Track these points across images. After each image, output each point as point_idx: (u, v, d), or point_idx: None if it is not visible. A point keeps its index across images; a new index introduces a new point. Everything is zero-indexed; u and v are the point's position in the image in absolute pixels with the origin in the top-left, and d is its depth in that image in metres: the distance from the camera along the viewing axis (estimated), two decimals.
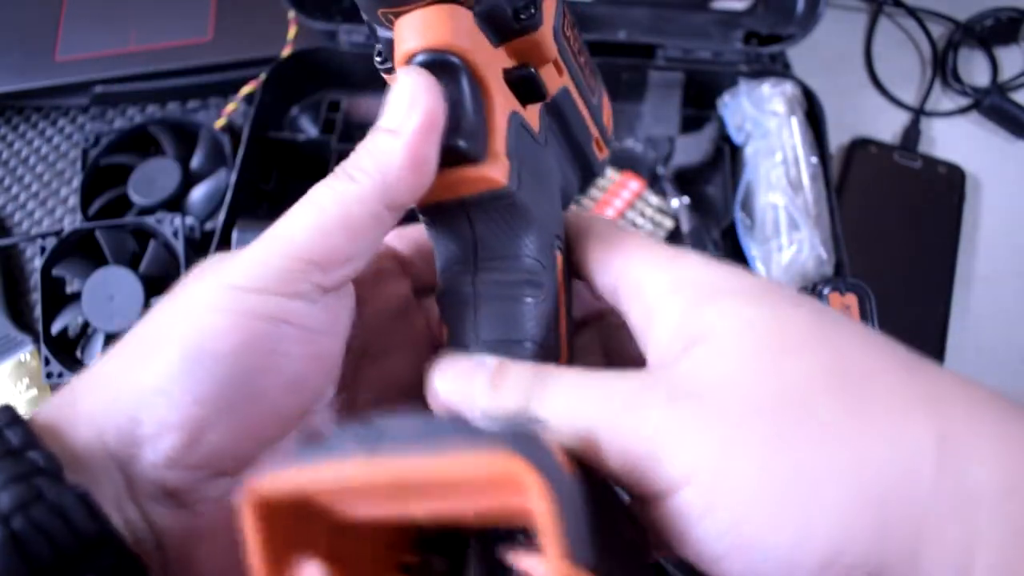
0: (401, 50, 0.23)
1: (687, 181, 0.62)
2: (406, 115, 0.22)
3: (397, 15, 0.23)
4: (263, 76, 0.63)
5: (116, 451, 0.22)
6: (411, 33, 0.23)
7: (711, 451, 0.19)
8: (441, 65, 0.23)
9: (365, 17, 0.25)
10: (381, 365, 0.28)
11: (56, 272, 0.58)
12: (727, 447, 0.19)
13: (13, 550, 0.18)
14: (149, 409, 0.21)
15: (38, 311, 0.57)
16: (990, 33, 0.71)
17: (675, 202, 0.61)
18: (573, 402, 0.21)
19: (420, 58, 0.23)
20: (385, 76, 0.26)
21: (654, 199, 0.61)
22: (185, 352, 0.22)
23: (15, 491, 0.19)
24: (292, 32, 0.65)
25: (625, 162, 0.62)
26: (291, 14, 0.65)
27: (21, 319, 0.61)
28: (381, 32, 0.25)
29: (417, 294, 0.30)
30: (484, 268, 0.25)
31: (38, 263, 0.57)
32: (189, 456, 0.22)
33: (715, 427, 0.19)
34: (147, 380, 0.22)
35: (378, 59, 0.26)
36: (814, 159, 0.59)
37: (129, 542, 0.20)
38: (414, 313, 0.30)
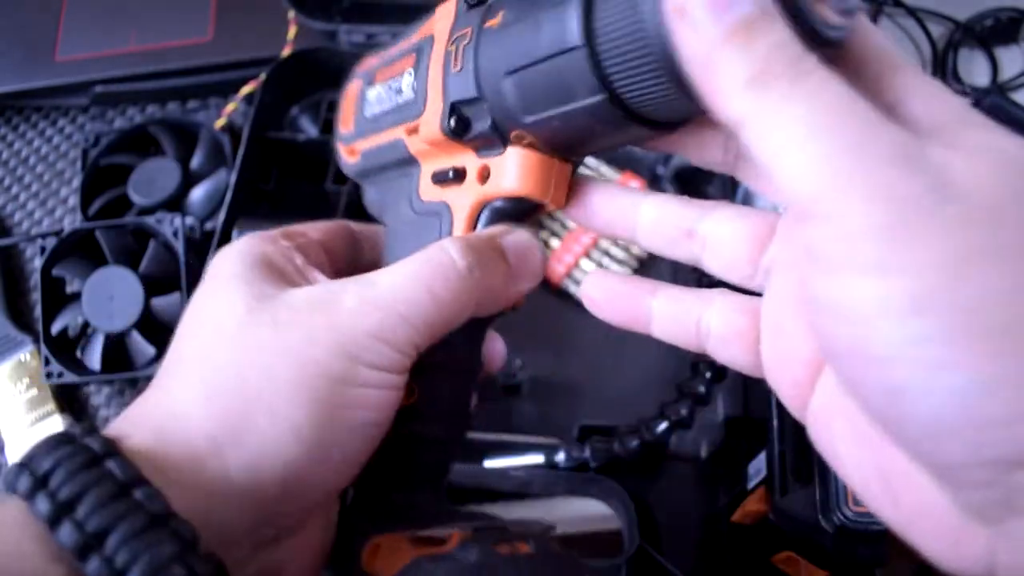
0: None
1: (687, 181, 0.62)
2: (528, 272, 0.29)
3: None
4: (263, 76, 0.63)
5: (255, 505, 0.24)
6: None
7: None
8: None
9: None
10: None
11: (56, 272, 0.58)
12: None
13: None
14: (301, 474, 0.24)
15: (38, 311, 0.57)
16: (990, 33, 0.71)
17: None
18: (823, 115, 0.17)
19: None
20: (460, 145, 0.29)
21: None
22: (328, 426, 0.24)
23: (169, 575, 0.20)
24: (292, 32, 0.65)
25: (625, 162, 0.62)
26: (291, 14, 0.64)
27: (21, 319, 0.61)
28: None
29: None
30: None
31: (38, 263, 0.57)
32: (319, 504, 0.26)
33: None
34: (298, 449, 0.24)
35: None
36: None
37: None
38: None
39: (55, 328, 0.57)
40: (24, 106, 0.70)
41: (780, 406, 0.37)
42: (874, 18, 0.73)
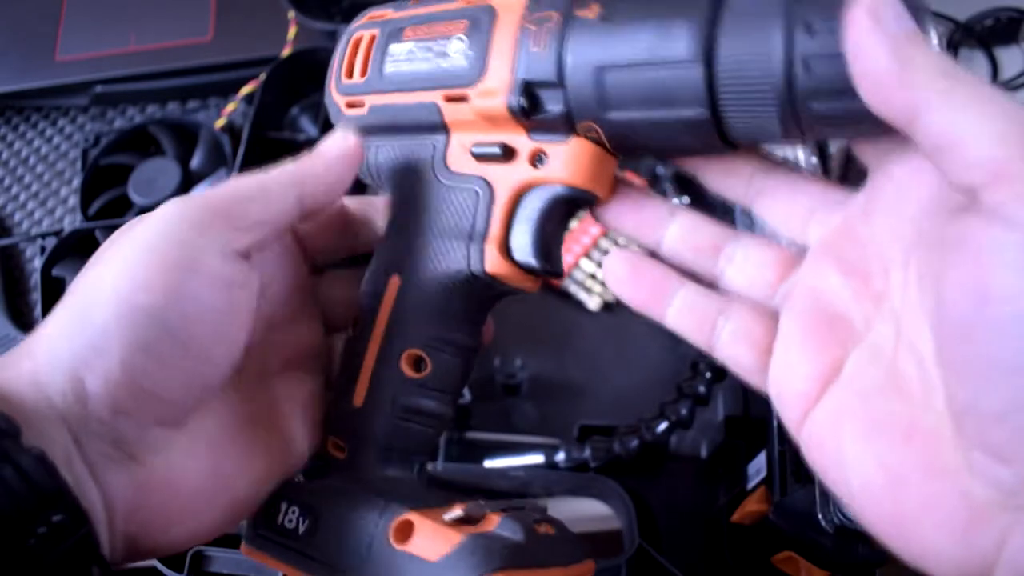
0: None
1: (687, 180, 0.62)
2: (336, 146, 0.30)
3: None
4: (263, 76, 0.63)
5: (63, 410, 0.23)
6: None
7: None
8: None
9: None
10: (286, 334, 0.32)
11: (56, 272, 0.58)
12: None
13: None
14: (89, 364, 0.23)
15: (38, 311, 0.58)
16: (990, 33, 0.71)
17: (675, 201, 0.61)
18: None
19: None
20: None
21: None
22: (118, 308, 0.24)
23: None
24: (292, 32, 0.65)
25: (625, 161, 0.62)
26: (291, 14, 0.65)
27: (21, 319, 0.61)
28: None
29: (313, 272, 0.34)
30: None
31: (38, 263, 0.57)
32: (131, 404, 0.24)
33: None
34: (85, 338, 0.24)
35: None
36: (814, 159, 0.59)
37: (79, 499, 0.22)
38: (312, 289, 0.34)
39: None
40: (24, 106, 0.70)
41: None
42: None
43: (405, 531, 0.27)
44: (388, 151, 0.32)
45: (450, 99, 0.29)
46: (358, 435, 0.30)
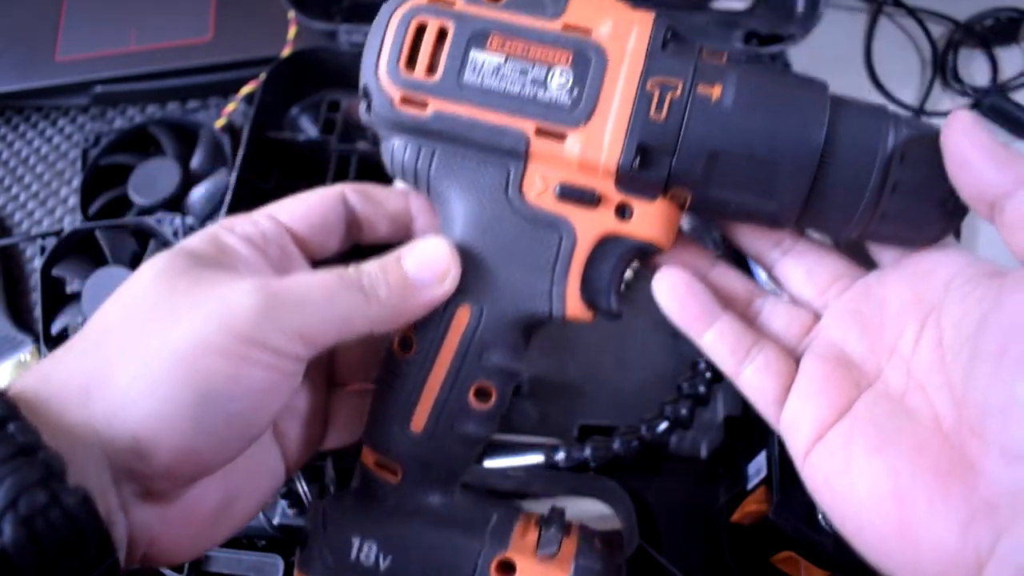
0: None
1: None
2: (439, 280, 0.28)
3: None
4: (263, 76, 0.63)
5: (111, 457, 0.24)
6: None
7: None
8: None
9: None
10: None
11: (56, 272, 0.58)
12: None
13: (29, 544, 0.21)
14: (156, 436, 0.24)
15: (38, 311, 0.58)
16: (990, 33, 0.71)
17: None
18: None
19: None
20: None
21: None
22: (185, 389, 0.24)
23: (33, 497, 0.21)
24: (292, 32, 0.65)
25: None
26: (291, 14, 0.64)
27: (21, 319, 0.61)
28: None
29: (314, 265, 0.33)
30: None
31: (38, 263, 0.57)
32: (180, 471, 0.25)
33: None
34: (151, 406, 0.24)
35: None
36: None
37: (112, 534, 0.23)
38: None
39: (55, 328, 0.57)
40: (24, 106, 0.70)
41: None
42: (874, 18, 0.73)
43: (506, 571, 0.29)
44: (448, 161, 0.29)
45: (543, 134, 0.28)
46: (419, 461, 0.30)
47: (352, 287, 0.27)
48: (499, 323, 0.29)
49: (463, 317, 0.29)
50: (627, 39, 0.28)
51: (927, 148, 0.26)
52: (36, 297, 0.60)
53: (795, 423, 0.28)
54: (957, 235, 0.29)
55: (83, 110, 0.70)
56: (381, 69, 0.29)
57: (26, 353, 0.59)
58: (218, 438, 0.26)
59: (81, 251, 0.59)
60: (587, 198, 0.28)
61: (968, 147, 0.25)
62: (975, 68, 0.71)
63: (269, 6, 0.65)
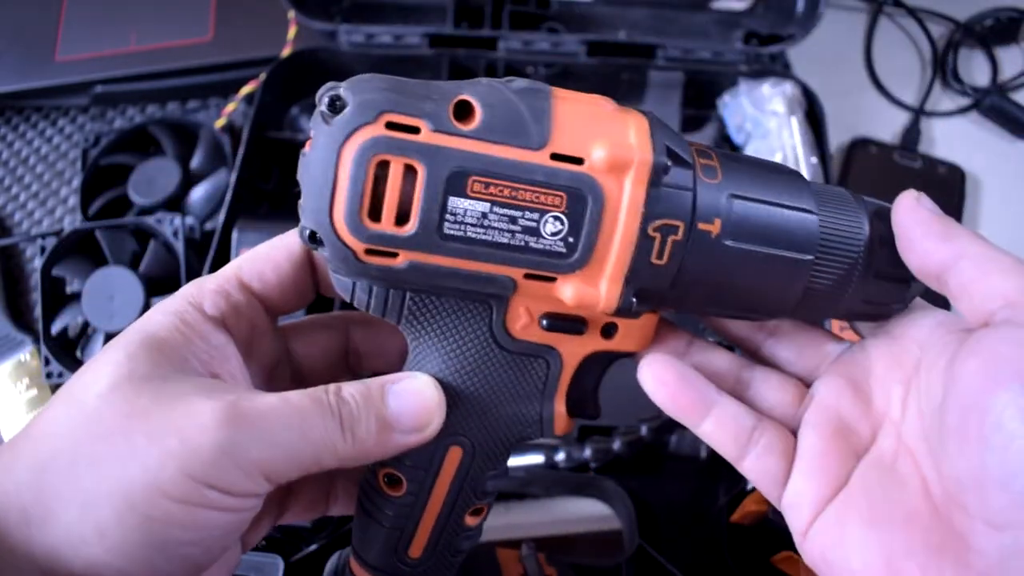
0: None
1: None
2: (422, 427, 0.26)
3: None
4: (263, 76, 0.63)
5: None
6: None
7: None
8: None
9: None
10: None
11: (56, 272, 0.58)
12: None
13: None
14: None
15: (38, 311, 0.58)
16: (990, 33, 0.71)
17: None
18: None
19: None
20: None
21: None
22: (147, 539, 0.23)
23: None
24: (292, 32, 0.65)
25: None
26: (291, 14, 0.64)
27: (21, 319, 0.61)
28: None
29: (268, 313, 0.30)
30: None
31: (38, 263, 0.57)
32: None
33: None
34: (100, 550, 0.23)
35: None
36: (814, 159, 0.59)
37: None
38: (280, 341, 0.31)
39: (55, 328, 0.57)
40: (24, 106, 0.70)
41: None
42: (874, 18, 0.73)
43: None
44: (422, 305, 0.26)
45: (532, 277, 0.25)
46: None
47: (328, 417, 0.25)
48: (491, 454, 0.29)
49: (455, 456, 0.28)
50: (625, 170, 0.24)
51: (889, 227, 0.27)
52: (36, 297, 0.60)
53: (797, 502, 0.27)
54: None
55: (83, 110, 0.70)
56: (337, 218, 0.24)
57: (26, 353, 0.59)
58: (178, 569, 0.24)
59: (81, 251, 0.59)
60: (575, 328, 0.27)
61: (911, 225, 0.26)
62: (975, 68, 0.71)
63: (269, 6, 0.65)
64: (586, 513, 0.48)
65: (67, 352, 0.57)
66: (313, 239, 0.24)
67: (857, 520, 0.26)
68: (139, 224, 0.59)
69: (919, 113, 0.68)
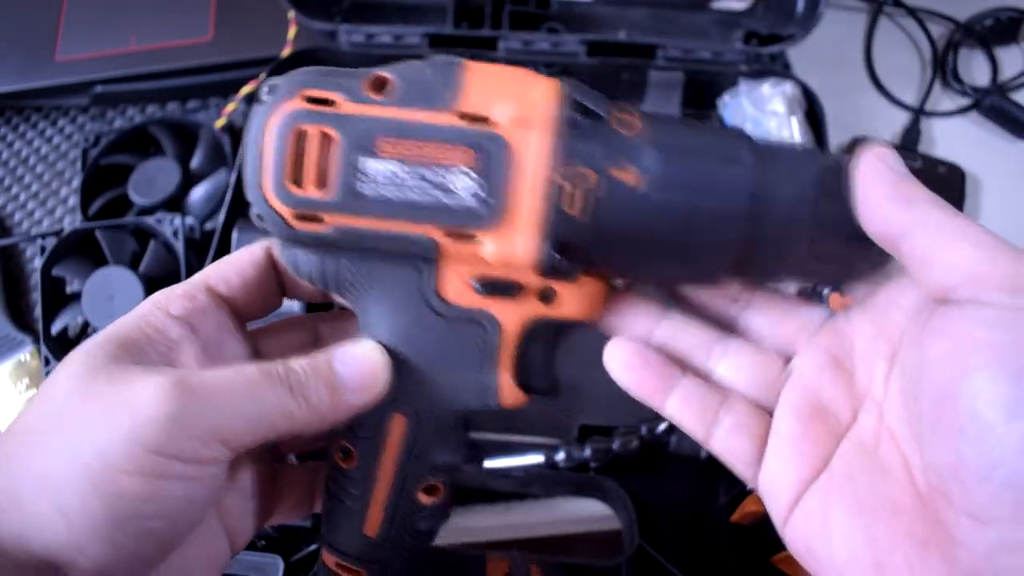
0: None
1: None
2: (370, 386, 0.27)
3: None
4: (263, 76, 0.63)
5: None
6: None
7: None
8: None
9: None
10: None
11: (56, 272, 0.58)
12: None
13: None
14: (67, 557, 0.23)
15: (38, 311, 0.58)
16: (990, 33, 0.71)
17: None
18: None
19: None
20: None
21: None
22: (109, 513, 0.23)
23: None
24: (292, 32, 0.65)
25: None
26: (291, 14, 0.64)
27: (21, 319, 0.61)
28: None
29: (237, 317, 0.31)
30: None
31: (38, 263, 0.57)
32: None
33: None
34: (62, 528, 0.23)
35: None
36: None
37: None
38: (251, 349, 0.31)
39: (55, 328, 0.57)
40: (24, 106, 0.70)
41: None
42: (874, 18, 0.73)
43: None
44: (357, 270, 0.28)
45: (454, 236, 0.26)
46: (379, 562, 0.30)
47: (278, 385, 0.26)
48: (436, 425, 0.29)
49: (399, 425, 0.28)
50: (530, 124, 0.25)
51: (847, 182, 0.25)
52: (36, 297, 0.60)
53: (773, 486, 0.27)
54: None
55: (83, 110, 0.70)
56: (266, 187, 0.26)
57: (26, 353, 0.59)
58: (138, 555, 0.24)
59: (81, 251, 0.59)
60: (508, 290, 0.27)
61: (871, 184, 0.24)
62: (975, 68, 0.71)
63: (269, 6, 0.65)
64: (586, 513, 0.48)
65: (67, 352, 0.57)
66: (257, 215, 0.27)
67: (841, 508, 0.25)
68: (139, 224, 0.59)
69: (919, 113, 0.68)
